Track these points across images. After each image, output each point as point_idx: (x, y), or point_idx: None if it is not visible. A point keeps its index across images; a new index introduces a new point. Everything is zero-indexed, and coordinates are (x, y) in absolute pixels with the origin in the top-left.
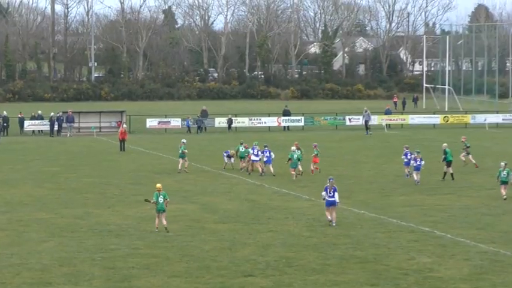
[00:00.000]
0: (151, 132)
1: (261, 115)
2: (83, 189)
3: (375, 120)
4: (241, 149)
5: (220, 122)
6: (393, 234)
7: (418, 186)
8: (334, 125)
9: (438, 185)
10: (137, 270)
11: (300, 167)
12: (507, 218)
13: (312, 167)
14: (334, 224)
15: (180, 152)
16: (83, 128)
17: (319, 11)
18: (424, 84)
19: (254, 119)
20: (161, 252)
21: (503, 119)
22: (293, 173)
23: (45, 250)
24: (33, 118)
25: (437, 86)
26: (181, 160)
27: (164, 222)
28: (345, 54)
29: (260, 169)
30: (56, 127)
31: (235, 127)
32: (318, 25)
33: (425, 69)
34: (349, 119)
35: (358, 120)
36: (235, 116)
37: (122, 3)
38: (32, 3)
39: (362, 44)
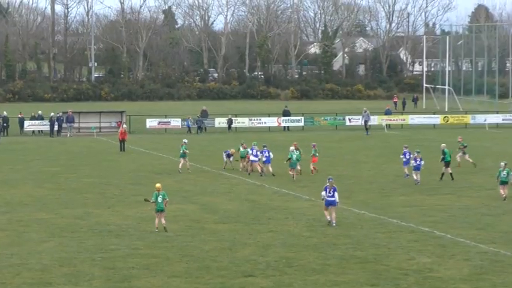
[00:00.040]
0: (151, 133)
1: (261, 115)
2: (83, 189)
3: (375, 120)
4: (241, 149)
5: (220, 122)
6: (393, 235)
7: (418, 186)
8: (334, 125)
9: (438, 185)
10: (137, 271)
11: (298, 167)
12: (507, 218)
13: (311, 167)
14: (334, 224)
15: (181, 151)
16: (83, 128)
17: (319, 11)
18: (424, 85)
19: (254, 119)
20: (161, 253)
21: (503, 119)
22: (291, 173)
23: (45, 250)
24: (33, 118)
25: (437, 86)
26: (182, 160)
27: (163, 222)
28: (345, 55)
29: (259, 169)
30: (56, 127)
31: (235, 127)
32: (318, 25)
33: (425, 69)
34: (349, 119)
35: (358, 121)
36: (235, 116)
37: (122, 3)
38: (32, 3)
39: (362, 44)
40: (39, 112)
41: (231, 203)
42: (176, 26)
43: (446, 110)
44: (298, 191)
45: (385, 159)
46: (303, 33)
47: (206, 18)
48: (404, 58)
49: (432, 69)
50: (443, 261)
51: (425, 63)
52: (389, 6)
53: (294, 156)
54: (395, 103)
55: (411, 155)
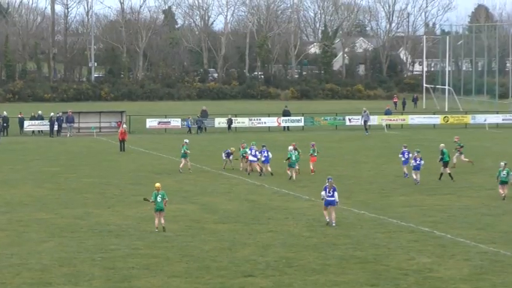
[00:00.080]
0: (151, 133)
1: (261, 115)
2: (83, 189)
3: (375, 120)
4: (240, 148)
5: (220, 122)
6: (393, 235)
7: (417, 186)
8: (334, 125)
9: (438, 185)
10: (137, 271)
11: (297, 167)
12: (507, 218)
13: (311, 167)
14: (334, 224)
15: (182, 151)
16: (82, 128)
17: (319, 11)
18: (424, 85)
19: (254, 119)
20: (161, 253)
21: (503, 119)
22: (288, 172)
23: (45, 250)
24: (33, 118)
25: (437, 86)
26: (183, 160)
27: (162, 221)
28: (345, 55)
29: (259, 169)
30: (56, 127)
31: (235, 127)
32: (318, 25)
33: (425, 69)
34: (349, 119)
35: (358, 121)
36: (235, 116)
37: (121, 3)
38: (32, 4)
39: (362, 44)
40: (39, 112)
41: (231, 203)
42: (176, 26)
43: (446, 110)
44: (298, 191)
45: (385, 159)
46: (303, 33)
47: (206, 18)
48: (404, 58)
49: (432, 69)
50: (443, 261)
51: (425, 63)
52: (389, 6)
53: (293, 157)
54: (395, 103)
55: (410, 155)
